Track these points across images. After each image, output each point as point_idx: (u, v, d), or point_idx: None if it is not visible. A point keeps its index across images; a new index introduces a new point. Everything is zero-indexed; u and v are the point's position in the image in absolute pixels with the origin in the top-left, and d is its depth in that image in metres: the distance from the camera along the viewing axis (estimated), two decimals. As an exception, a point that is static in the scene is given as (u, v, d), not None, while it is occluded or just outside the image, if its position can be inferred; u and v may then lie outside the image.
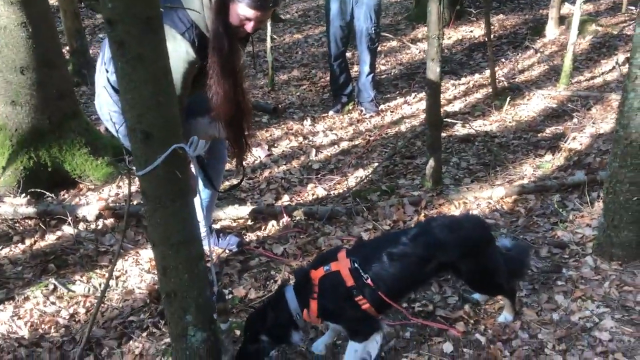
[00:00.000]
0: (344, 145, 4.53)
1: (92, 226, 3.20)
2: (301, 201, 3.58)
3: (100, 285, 2.70)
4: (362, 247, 2.16)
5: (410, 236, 2.06)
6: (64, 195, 3.60)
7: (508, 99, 4.92)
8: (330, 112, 5.29)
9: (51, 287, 2.68)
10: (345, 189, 3.68)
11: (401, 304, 2.31)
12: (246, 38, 2.33)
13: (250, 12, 2.06)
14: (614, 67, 5.48)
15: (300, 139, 4.69)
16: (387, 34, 7.23)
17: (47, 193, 3.44)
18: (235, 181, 3.73)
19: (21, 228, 3.14)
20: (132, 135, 1.54)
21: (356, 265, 1.99)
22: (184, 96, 2.18)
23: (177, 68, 2.04)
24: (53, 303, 2.59)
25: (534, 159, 3.86)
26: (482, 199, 3.32)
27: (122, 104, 1.52)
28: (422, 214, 3.22)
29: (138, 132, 1.52)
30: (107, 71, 2.16)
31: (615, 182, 2.46)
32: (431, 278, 2.36)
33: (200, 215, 2.12)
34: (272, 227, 3.21)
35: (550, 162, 3.75)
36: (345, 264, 2.00)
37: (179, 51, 2.06)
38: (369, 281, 1.96)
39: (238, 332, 2.28)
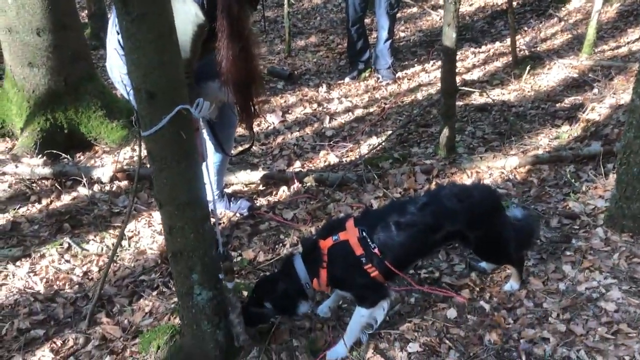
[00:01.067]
0: (359, 112, 4.50)
1: (107, 188, 3.26)
2: (313, 168, 3.58)
3: (113, 244, 2.76)
4: (370, 216, 2.14)
5: (419, 205, 2.05)
6: (79, 157, 3.66)
7: (528, 67, 4.82)
8: (347, 79, 5.25)
9: (66, 245, 2.75)
10: (357, 157, 3.68)
11: (408, 271, 2.34)
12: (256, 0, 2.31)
13: None
14: (640, 37, 5.32)
15: (315, 105, 4.67)
16: (407, 0, 7.10)
17: (63, 154, 3.50)
18: (246, 146, 3.76)
19: (38, 188, 3.21)
20: (137, 95, 1.55)
21: (364, 234, 1.99)
22: (194, 59, 2.17)
23: (186, 31, 2.04)
24: (67, 261, 2.66)
25: (551, 129, 3.80)
26: (495, 168, 3.29)
27: (127, 64, 1.53)
28: (434, 183, 3.21)
29: (143, 92, 1.53)
30: (118, 33, 2.16)
31: (629, 153, 2.42)
32: (439, 247, 2.37)
33: (211, 179, 2.14)
34: (283, 192, 3.23)
35: (567, 132, 3.68)
36: (354, 233, 2.01)
37: (188, 14, 2.04)
38: (376, 250, 1.97)
39: (245, 293, 2.32)
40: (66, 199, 3.14)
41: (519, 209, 2.46)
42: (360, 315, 2.04)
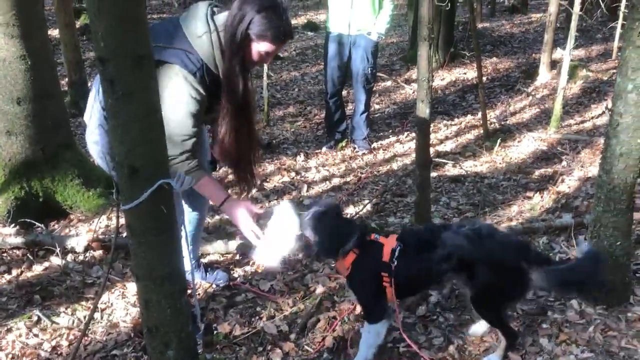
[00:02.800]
0: (336, 181, 4.57)
1: (81, 257, 3.20)
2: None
3: (85, 317, 2.69)
4: (412, 236, 2.27)
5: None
6: (54, 225, 3.61)
7: (499, 140, 5.00)
8: (324, 149, 5.35)
9: (35, 318, 2.66)
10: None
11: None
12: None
13: (273, 47, 2.15)
14: (603, 112, 5.58)
15: (293, 174, 4.73)
16: (382, 74, 7.36)
17: (37, 223, 3.44)
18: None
19: (8, 258, 3.14)
20: (119, 170, 1.57)
21: (398, 248, 2.16)
22: (199, 131, 2.24)
23: (188, 108, 2.12)
24: (36, 335, 2.57)
25: (523, 200, 3.90)
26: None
27: (111, 140, 1.55)
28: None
29: (125, 167, 1.55)
30: (104, 109, 2.21)
31: (599, 227, 2.49)
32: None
33: (186, 249, 2.13)
34: (260, 263, 3.21)
35: (538, 204, 3.79)
36: (391, 243, 2.19)
37: (190, 91, 2.12)
38: (392, 267, 2.15)
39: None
40: (38, 269, 3.07)
41: (586, 244, 2.52)
42: (367, 331, 2.23)
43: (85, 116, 2.41)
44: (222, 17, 2.17)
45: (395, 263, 2.15)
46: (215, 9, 2.21)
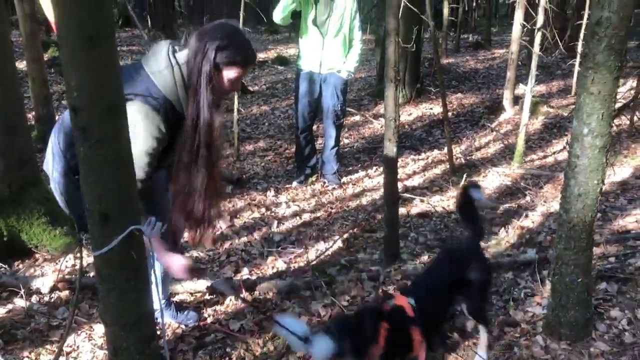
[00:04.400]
0: (306, 217, 4.59)
1: (46, 299, 3.14)
2: (261, 274, 3.58)
3: (49, 362, 2.63)
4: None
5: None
6: (18, 265, 3.53)
7: (465, 175, 5.11)
8: (294, 183, 5.39)
9: (-3, 364, 2.59)
10: (305, 262, 3.72)
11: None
12: None
13: (242, 71, 2.16)
14: (564, 147, 5.77)
15: (263, 210, 4.74)
16: (350, 109, 7.49)
17: (1, 264, 3.37)
18: (196, 252, 3.75)
19: (-30, 300, 3.06)
20: (90, 217, 1.58)
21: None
22: (152, 173, 2.22)
23: (147, 144, 2.09)
24: (-3, 381, 2.50)
25: (489, 235, 3.98)
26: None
27: (82, 186, 1.56)
28: (380, 290, 3.26)
29: (96, 214, 1.56)
30: (66, 157, 2.21)
31: (560, 264, 2.57)
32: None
33: (154, 290, 2.12)
34: (229, 301, 3.20)
35: (504, 239, 3.88)
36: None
37: (151, 128, 2.09)
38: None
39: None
40: (0, 312, 2.99)
41: None
42: None
43: (45, 165, 2.35)
44: (183, 54, 2.16)
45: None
46: (176, 47, 2.22)
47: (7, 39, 3.54)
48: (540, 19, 5.29)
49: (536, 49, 5.32)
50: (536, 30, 5.29)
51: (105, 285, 1.65)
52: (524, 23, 6.34)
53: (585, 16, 6.89)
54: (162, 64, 2.15)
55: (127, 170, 1.59)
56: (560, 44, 5.80)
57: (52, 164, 2.28)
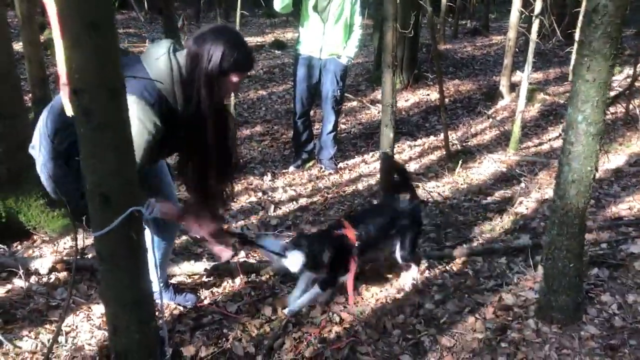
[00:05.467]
0: (303, 201, 4.63)
1: (45, 279, 3.17)
2: (257, 258, 3.62)
3: (48, 341, 2.66)
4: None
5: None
6: (16, 246, 3.55)
7: (460, 161, 5.15)
8: (291, 168, 5.41)
9: (-3, 342, 2.63)
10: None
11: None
12: None
13: (242, 75, 2.23)
14: (559, 135, 5.81)
15: (260, 194, 4.77)
16: (348, 95, 7.49)
17: (0, 245, 3.39)
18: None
19: (-31, 280, 3.09)
20: (90, 199, 1.60)
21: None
22: (146, 165, 2.24)
23: (142, 138, 2.11)
24: (-2, 360, 2.54)
25: (483, 221, 4.03)
26: (433, 260, 3.44)
27: (82, 168, 1.58)
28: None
29: (97, 196, 1.58)
30: (53, 142, 2.21)
31: (553, 249, 2.61)
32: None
33: (153, 272, 2.16)
34: (227, 283, 3.24)
35: (498, 225, 3.92)
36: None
37: (145, 123, 2.11)
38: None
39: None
40: (0, 291, 3.02)
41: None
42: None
43: (31, 149, 2.35)
44: (183, 55, 2.19)
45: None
46: (177, 47, 2.25)
47: (3, 22, 3.52)
48: (538, 6, 5.29)
49: (533, 35, 5.33)
50: (534, 17, 5.30)
51: (105, 265, 1.67)
52: (522, 10, 6.33)
53: (584, 3, 6.89)
54: (161, 61, 2.17)
55: (127, 152, 1.61)
56: (557, 31, 5.80)
57: (38, 148, 2.29)
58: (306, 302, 2.92)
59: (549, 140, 5.84)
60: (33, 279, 3.16)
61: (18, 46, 7.33)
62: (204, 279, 3.29)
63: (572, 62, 7.48)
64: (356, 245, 2.89)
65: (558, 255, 2.60)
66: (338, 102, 5.25)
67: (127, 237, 1.64)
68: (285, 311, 2.92)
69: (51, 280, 3.16)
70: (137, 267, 1.70)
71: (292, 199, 4.68)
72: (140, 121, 2.09)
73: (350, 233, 2.90)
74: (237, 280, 3.25)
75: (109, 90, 1.51)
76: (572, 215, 2.51)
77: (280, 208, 4.50)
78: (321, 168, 5.39)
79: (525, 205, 4.18)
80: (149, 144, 2.14)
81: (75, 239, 2.14)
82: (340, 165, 5.47)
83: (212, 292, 3.17)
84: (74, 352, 2.61)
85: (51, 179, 2.31)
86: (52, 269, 3.19)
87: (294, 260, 2.76)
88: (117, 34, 1.54)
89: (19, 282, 3.09)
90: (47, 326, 2.79)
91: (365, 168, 5.40)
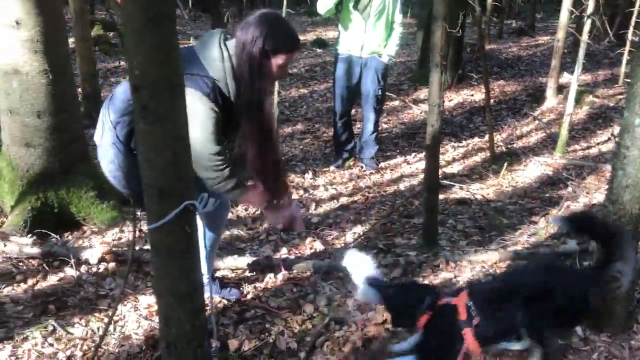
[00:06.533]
0: (343, 200, 4.63)
1: (94, 269, 3.26)
2: (299, 254, 3.65)
3: (98, 329, 2.75)
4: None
5: None
6: (67, 236, 3.67)
7: (505, 163, 5.06)
8: (332, 167, 5.42)
9: (50, 328, 2.72)
10: (342, 245, 3.76)
11: None
12: None
13: (289, 56, 2.29)
14: (609, 138, 5.65)
15: (301, 191, 4.79)
16: (390, 94, 7.45)
17: (52, 234, 3.51)
18: (236, 230, 3.84)
19: (24, 267, 3.20)
20: (147, 191, 1.64)
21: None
22: (224, 149, 2.35)
23: (208, 124, 2.24)
24: (51, 344, 2.62)
25: (528, 225, 3.95)
26: (477, 262, 3.39)
27: (140, 162, 1.62)
28: (420, 276, 3.28)
29: (153, 189, 1.62)
30: (115, 128, 2.34)
31: (604, 255, 2.54)
32: None
33: (203, 265, 2.21)
34: (269, 279, 3.27)
35: (543, 229, 3.84)
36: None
37: (206, 110, 2.24)
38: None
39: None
40: (52, 279, 3.13)
41: None
42: None
43: (95, 136, 2.50)
44: (232, 44, 2.30)
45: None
46: (227, 35, 2.36)
47: (61, 21, 3.64)
48: (591, 5, 5.15)
49: (585, 36, 5.19)
50: (586, 17, 5.16)
51: (160, 257, 1.71)
52: (572, 9, 6.18)
53: (638, 3, 6.68)
54: (214, 52, 2.28)
55: (183, 148, 1.64)
56: (609, 31, 5.64)
57: (101, 135, 2.45)
58: None
59: (598, 144, 5.69)
60: (83, 268, 3.26)
61: (69, 42, 7.57)
62: (247, 273, 3.33)
63: (624, 63, 7.27)
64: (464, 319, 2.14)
65: (609, 261, 2.52)
66: (379, 102, 5.23)
67: (181, 230, 1.67)
68: None
69: (100, 270, 3.26)
70: (190, 259, 1.74)
71: (333, 198, 4.69)
72: (201, 111, 2.21)
73: (462, 304, 2.17)
74: (279, 276, 3.28)
75: (167, 87, 1.54)
76: (625, 221, 2.44)
77: (321, 206, 4.51)
78: (362, 167, 5.38)
79: (572, 210, 4.07)
80: (215, 130, 2.25)
81: (134, 229, 2.20)
82: (382, 164, 5.45)
83: (254, 287, 3.21)
84: (122, 340, 2.69)
85: (112, 164, 2.40)
86: (102, 259, 3.28)
87: (366, 297, 2.33)
88: (177, 31, 1.58)
89: (70, 271, 3.19)
90: (97, 314, 2.88)
91: (407, 168, 5.37)
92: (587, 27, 5.18)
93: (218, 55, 2.27)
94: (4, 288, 3.02)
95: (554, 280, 2.16)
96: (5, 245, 3.23)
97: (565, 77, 7.40)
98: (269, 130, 2.38)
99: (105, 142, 2.41)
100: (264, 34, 2.20)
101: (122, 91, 2.40)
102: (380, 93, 5.16)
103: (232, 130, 2.40)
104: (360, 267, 2.32)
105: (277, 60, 2.28)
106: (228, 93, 2.30)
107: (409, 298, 2.27)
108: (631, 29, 6.69)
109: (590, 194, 4.36)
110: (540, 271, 2.32)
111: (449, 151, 5.77)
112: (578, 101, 6.39)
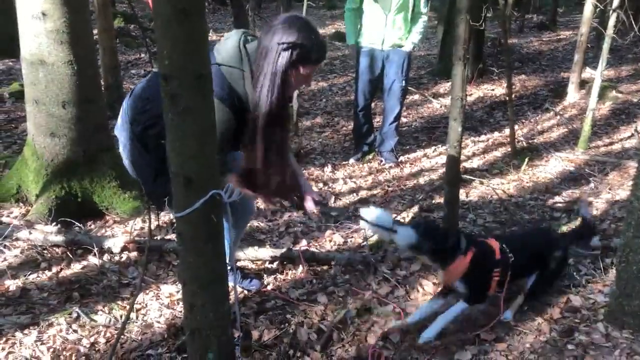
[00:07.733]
0: (363, 193, 4.63)
1: (116, 258, 3.31)
2: (319, 247, 3.66)
3: (121, 316, 2.79)
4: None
5: None
6: (90, 225, 3.73)
7: (526, 159, 5.02)
8: (351, 160, 5.42)
9: (74, 315, 2.77)
10: (362, 238, 3.76)
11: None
12: None
13: (315, 67, 2.20)
14: (632, 135, 5.57)
15: (321, 185, 4.80)
16: (410, 88, 7.42)
17: (76, 223, 3.57)
18: (256, 222, 3.86)
19: (49, 255, 3.26)
20: (174, 180, 1.66)
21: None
22: (226, 154, 2.34)
23: (219, 129, 2.17)
24: (75, 331, 2.67)
25: (550, 221, 3.92)
26: (497, 257, 3.38)
27: (168, 151, 1.64)
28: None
29: (181, 178, 1.64)
30: (131, 125, 2.35)
31: (628, 252, 2.52)
32: None
33: (229, 254, 2.23)
34: (289, 271, 3.29)
35: (565, 225, 3.80)
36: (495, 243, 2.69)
37: (220, 114, 2.12)
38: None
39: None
40: (76, 267, 3.18)
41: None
42: (458, 308, 2.62)
43: (116, 129, 2.50)
44: (254, 47, 2.19)
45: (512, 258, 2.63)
46: (248, 37, 2.25)
47: (87, 12, 3.68)
48: (615, 0, 5.07)
49: (609, 31, 5.11)
50: (611, 12, 5.08)
51: (186, 245, 1.74)
52: (597, 3, 6.08)
53: (664, -3, 6.56)
54: (233, 56, 2.19)
55: (210, 138, 1.66)
56: (635, 26, 5.53)
57: (120, 130, 2.47)
58: (445, 323, 2.62)
59: (621, 140, 5.61)
60: (106, 257, 3.31)
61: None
62: (267, 265, 3.35)
63: (649, 59, 7.14)
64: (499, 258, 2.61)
65: (633, 258, 2.50)
66: (403, 94, 5.22)
67: (207, 219, 1.70)
68: (420, 340, 2.59)
69: (123, 259, 3.31)
70: (215, 248, 1.77)
71: (352, 191, 4.69)
72: (216, 114, 2.16)
73: (495, 245, 2.65)
74: (300, 268, 3.30)
75: (195, 77, 1.56)
76: (650, 217, 2.42)
77: (340, 199, 4.52)
78: (381, 161, 5.38)
79: (594, 206, 4.03)
80: (226, 132, 2.20)
81: (149, 220, 2.23)
82: (401, 158, 5.44)
83: (275, 278, 3.23)
84: (144, 328, 2.73)
85: (129, 159, 2.43)
86: (124, 249, 3.33)
87: (404, 238, 2.48)
88: (206, 23, 1.59)
89: (93, 260, 3.24)
90: (120, 302, 2.92)
91: (427, 162, 5.35)
92: (612, 22, 5.09)
93: (236, 59, 2.18)
94: (29, 275, 3.08)
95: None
96: (30, 233, 3.29)
97: (588, 72, 7.30)
98: (283, 142, 2.31)
99: (123, 138, 2.44)
100: (292, 42, 2.08)
101: (140, 89, 2.40)
102: (404, 84, 5.14)
103: (246, 137, 2.32)
104: (379, 216, 2.48)
105: (305, 70, 2.16)
106: (246, 99, 2.22)
107: (443, 238, 2.56)
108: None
109: (613, 190, 4.30)
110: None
111: (469, 145, 5.73)
112: (601, 96, 6.30)
